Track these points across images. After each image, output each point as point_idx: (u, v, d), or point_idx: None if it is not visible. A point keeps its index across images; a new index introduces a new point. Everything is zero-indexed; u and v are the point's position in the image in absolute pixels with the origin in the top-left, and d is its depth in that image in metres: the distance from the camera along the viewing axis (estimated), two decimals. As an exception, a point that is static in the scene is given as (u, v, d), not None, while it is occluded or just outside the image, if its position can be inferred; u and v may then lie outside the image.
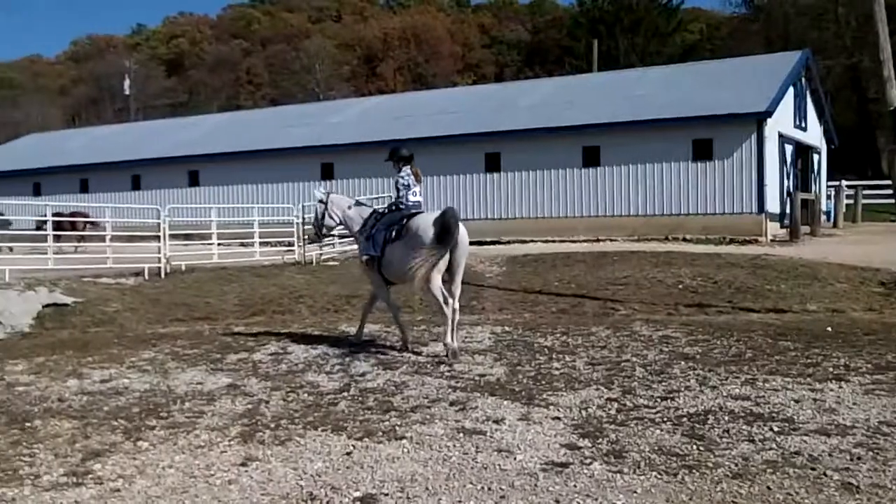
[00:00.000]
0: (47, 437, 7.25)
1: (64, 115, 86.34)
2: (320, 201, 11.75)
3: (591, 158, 29.32)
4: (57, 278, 17.40)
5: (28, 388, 9.23)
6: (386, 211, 11.42)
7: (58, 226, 23.92)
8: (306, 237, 12.29)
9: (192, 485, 5.96)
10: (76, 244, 25.05)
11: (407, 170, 11.19)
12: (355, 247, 24.89)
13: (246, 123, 42.75)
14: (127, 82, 72.93)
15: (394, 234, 10.81)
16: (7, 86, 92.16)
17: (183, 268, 19.86)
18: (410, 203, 11.06)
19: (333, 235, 13.43)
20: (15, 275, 17.62)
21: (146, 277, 18.78)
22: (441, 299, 10.27)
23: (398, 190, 11.16)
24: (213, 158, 37.41)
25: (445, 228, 10.15)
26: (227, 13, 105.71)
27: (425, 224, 10.45)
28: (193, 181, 37.90)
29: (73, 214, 26.16)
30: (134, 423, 7.63)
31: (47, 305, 15.30)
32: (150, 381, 9.39)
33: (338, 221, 11.70)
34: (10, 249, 21.68)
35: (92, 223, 26.12)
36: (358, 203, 12.01)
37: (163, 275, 19.15)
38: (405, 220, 10.80)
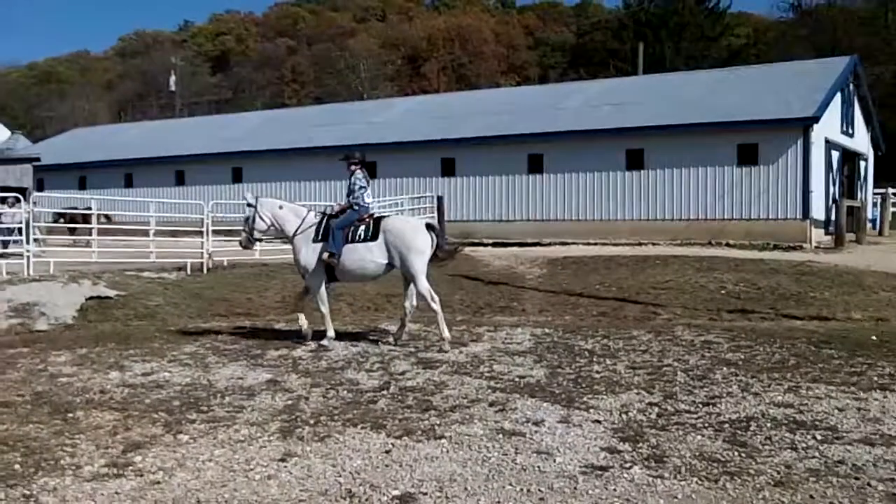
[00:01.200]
0: (89, 429, 7.33)
1: (110, 110, 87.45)
2: (249, 205, 11.95)
3: (635, 161, 29.13)
4: (100, 271, 17.60)
5: (70, 380, 9.35)
6: (335, 213, 11.79)
7: (71, 219, 25.47)
8: (239, 242, 12.35)
9: (232, 479, 5.99)
10: (88, 237, 25.77)
11: (360, 173, 11.76)
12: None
13: (290, 121, 42.97)
14: (173, 78, 73.60)
15: (361, 234, 11.32)
16: (55, 80, 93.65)
17: (225, 263, 20.00)
18: (365, 204, 11.67)
19: (263, 240, 13.32)
20: (59, 267, 17.87)
21: (188, 272, 18.94)
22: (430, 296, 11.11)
23: (355, 190, 11.62)
24: (256, 155, 37.68)
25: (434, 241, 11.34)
26: (274, 11, 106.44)
27: (412, 229, 11.37)
28: (237, 178, 38.19)
29: (87, 209, 26.98)
30: (174, 416, 7.69)
31: (90, 298, 15.49)
32: (190, 375, 9.47)
33: (269, 224, 11.88)
34: (44, 241, 22.10)
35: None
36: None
37: (205, 270, 19.30)
38: (371, 222, 11.42)
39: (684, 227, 27.87)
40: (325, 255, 11.29)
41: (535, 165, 30.96)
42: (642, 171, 29.00)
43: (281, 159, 36.64)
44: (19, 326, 13.83)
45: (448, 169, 32.75)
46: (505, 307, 15.54)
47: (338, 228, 11.36)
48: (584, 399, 8.04)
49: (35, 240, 18.93)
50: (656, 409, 7.67)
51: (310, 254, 11.50)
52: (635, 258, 21.48)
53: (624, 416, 7.45)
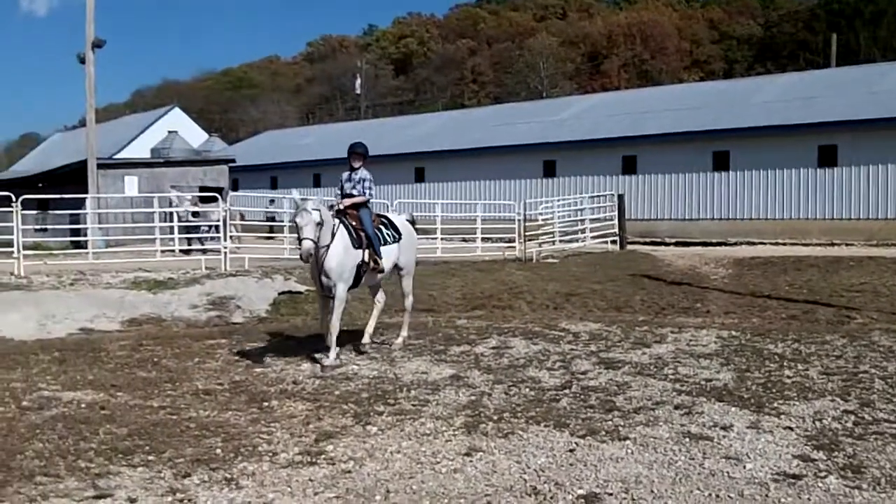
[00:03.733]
0: (283, 417, 7.69)
1: (299, 113, 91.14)
2: (315, 209, 9.87)
3: (828, 158, 27.85)
4: (291, 267, 18.35)
5: (265, 370, 9.82)
6: (345, 208, 10.76)
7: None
8: (301, 255, 9.90)
9: (419, 471, 6.14)
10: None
11: (365, 169, 11.33)
12: (574, 245, 24.93)
13: (470, 121, 43.53)
14: (358, 81, 75.82)
15: (391, 236, 11.10)
16: (248, 85, 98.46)
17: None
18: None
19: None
20: (253, 263, 18.78)
21: (372, 269, 19.45)
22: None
23: (370, 188, 11.14)
24: (437, 155, 38.38)
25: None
26: (454, 13, 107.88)
27: (411, 228, 11.73)
28: (419, 177, 39.02)
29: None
30: (363, 407, 7.95)
31: (282, 293, 16.21)
32: (377, 369, 9.76)
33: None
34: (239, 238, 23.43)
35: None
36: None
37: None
38: (388, 223, 11.25)
39: (881, 226, 26.45)
40: (381, 262, 10.75)
41: (721, 162, 30.14)
42: (835, 168, 27.73)
43: (462, 158, 37.16)
44: (217, 318, 14.65)
45: (629, 167, 32.34)
46: (688, 308, 15.16)
47: (370, 231, 10.69)
48: (775, 404, 7.76)
49: (231, 237, 19.96)
50: (852, 418, 7.31)
51: (349, 262, 10.35)
52: (827, 259, 20.55)
53: (818, 424, 7.14)
